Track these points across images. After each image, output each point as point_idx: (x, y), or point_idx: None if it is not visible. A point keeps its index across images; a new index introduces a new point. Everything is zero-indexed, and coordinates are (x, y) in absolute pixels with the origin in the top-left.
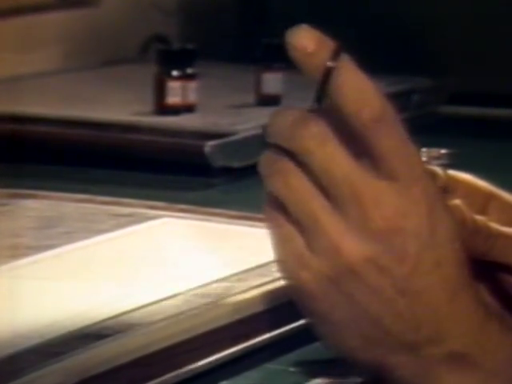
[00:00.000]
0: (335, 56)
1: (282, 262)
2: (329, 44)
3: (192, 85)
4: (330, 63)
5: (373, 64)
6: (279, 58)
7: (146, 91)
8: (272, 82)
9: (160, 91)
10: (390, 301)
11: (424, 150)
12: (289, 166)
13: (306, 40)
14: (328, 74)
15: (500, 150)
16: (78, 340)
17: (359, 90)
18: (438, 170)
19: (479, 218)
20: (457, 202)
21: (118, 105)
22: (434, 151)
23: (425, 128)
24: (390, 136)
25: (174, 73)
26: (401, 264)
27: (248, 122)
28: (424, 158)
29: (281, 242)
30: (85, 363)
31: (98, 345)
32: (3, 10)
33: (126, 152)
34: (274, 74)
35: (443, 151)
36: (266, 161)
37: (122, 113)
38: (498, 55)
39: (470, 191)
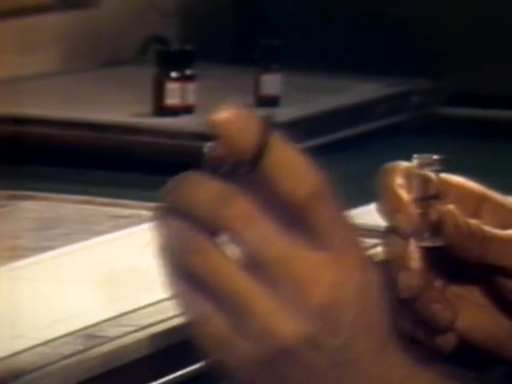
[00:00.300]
0: (265, 131)
1: (202, 344)
2: (257, 119)
3: (191, 86)
4: (260, 139)
5: (373, 64)
6: (278, 59)
7: (145, 92)
8: (270, 83)
9: (159, 92)
10: (324, 376)
11: (416, 156)
12: (209, 243)
13: (232, 117)
14: (259, 150)
15: (499, 152)
16: (78, 341)
17: (293, 167)
18: (431, 175)
19: (473, 221)
20: (450, 207)
21: (117, 106)
22: (426, 157)
23: (424, 129)
24: (326, 210)
25: (173, 74)
26: (334, 337)
27: None
28: (415, 164)
29: (199, 323)
30: (84, 365)
31: (97, 345)
32: (3, 12)
33: (125, 153)
34: (272, 75)
35: (435, 157)
36: (175, 234)
37: (121, 114)
38: (498, 56)
39: (462, 194)
